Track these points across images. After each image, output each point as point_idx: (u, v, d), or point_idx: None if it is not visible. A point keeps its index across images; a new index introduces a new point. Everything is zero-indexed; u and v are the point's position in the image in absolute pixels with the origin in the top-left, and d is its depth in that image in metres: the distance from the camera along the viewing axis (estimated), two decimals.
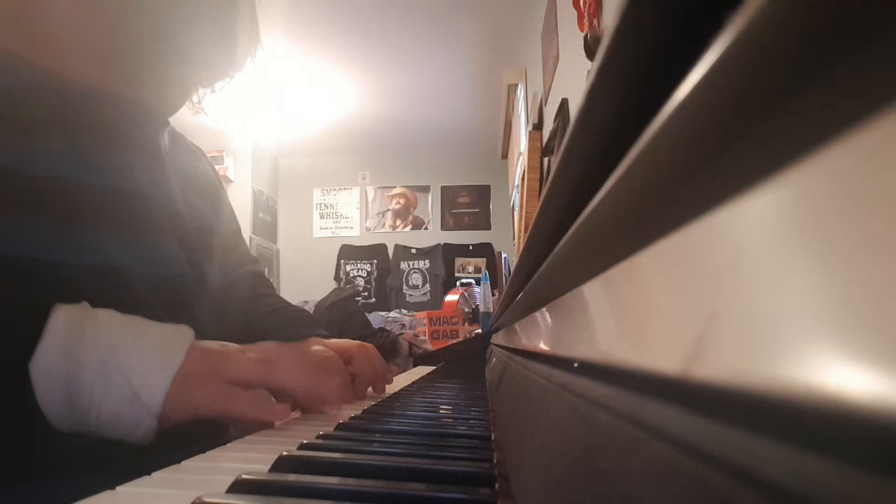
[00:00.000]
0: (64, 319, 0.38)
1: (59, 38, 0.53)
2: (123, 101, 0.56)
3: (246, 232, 4.21)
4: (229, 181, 4.23)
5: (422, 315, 2.90)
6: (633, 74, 0.13)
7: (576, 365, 0.23)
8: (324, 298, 2.97)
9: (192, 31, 0.56)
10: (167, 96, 0.60)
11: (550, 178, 0.21)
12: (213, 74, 0.63)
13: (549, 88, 2.06)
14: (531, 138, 2.22)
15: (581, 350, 0.23)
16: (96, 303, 0.41)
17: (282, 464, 0.29)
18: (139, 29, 0.54)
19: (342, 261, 4.87)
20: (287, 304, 0.80)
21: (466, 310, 2.92)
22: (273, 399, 0.46)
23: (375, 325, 2.83)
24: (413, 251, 4.86)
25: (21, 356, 0.36)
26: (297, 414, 0.51)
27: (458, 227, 4.91)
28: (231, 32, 0.60)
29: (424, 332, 2.75)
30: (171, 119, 0.63)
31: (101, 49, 0.54)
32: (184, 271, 0.57)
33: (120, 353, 0.39)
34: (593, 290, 0.22)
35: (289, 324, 0.73)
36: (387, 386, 0.68)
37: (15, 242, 0.44)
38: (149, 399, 0.38)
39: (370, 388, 0.65)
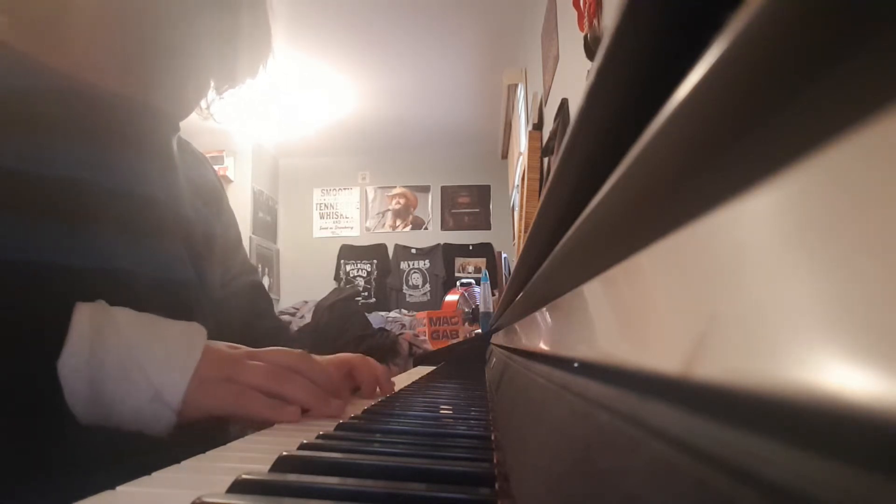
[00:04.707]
0: (86, 320, 0.40)
1: (76, 42, 0.53)
2: (138, 104, 0.56)
3: (246, 232, 4.21)
4: (229, 181, 4.23)
5: (422, 315, 2.90)
6: (633, 74, 0.13)
7: (576, 365, 0.23)
8: (324, 298, 2.96)
9: (208, 37, 0.56)
10: (181, 101, 0.61)
11: (550, 178, 0.21)
12: (226, 81, 0.63)
13: (549, 88, 2.06)
14: (531, 138, 2.22)
15: (581, 350, 0.23)
16: None
17: (282, 464, 0.29)
18: (156, 34, 0.54)
19: (342, 261, 4.87)
20: (283, 330, 0.80)
21: (466, 310, 2.92)
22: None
23: (375, 325, 2.83)
24: (413, 251, 4.86)
25: (46, 357, 0.38)
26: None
27: (458, 227, 4.91)
28: (245, 40, 0.61)
29: (424, 332, 2.75)
30: None
31: (118, 53, 0.54)
32: (189, 277, 0.58)
33: (139, 354, 0.40)
34: (593, 290, 0.22)
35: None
36: None
37: (25, 244, 0.45)
38: (170, 397, 0.40)
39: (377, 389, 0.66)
